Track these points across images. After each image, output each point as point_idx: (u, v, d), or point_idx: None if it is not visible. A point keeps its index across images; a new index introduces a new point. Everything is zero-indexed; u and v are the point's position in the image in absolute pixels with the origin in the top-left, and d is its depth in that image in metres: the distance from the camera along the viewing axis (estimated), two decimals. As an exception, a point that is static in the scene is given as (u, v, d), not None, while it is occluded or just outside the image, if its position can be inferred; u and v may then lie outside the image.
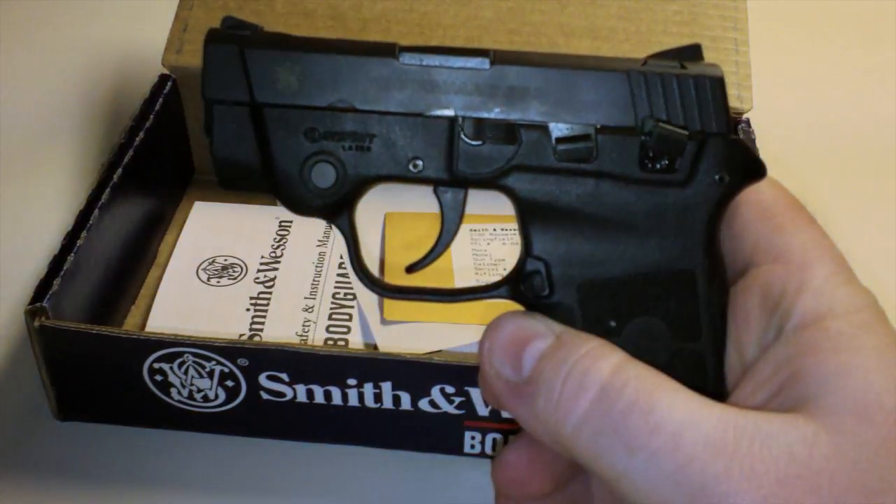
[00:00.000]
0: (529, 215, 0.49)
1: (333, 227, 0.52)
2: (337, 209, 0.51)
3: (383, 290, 0.53)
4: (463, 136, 0.49)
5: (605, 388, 0.42)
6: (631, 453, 0.40)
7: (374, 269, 0.84)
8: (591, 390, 0.42)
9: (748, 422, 0.40)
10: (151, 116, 0.86)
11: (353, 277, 0.84)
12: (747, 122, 0.86)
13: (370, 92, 0.49)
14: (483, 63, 0.48)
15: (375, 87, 0.49)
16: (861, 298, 0.45)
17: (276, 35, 0.50)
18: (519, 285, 0.50)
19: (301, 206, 0.50)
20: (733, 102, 0.85)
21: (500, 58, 0.49)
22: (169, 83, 0.91)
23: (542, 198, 0.49)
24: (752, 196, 0.49)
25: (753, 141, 0.84)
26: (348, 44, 0.50)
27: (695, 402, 0.41)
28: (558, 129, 0.48)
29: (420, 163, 0.49)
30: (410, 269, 0.52)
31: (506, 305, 0.50)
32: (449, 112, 0.49)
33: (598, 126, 0.48)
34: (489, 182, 0.49)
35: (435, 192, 0.51)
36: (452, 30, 0.88)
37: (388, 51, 0.49)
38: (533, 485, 0.51)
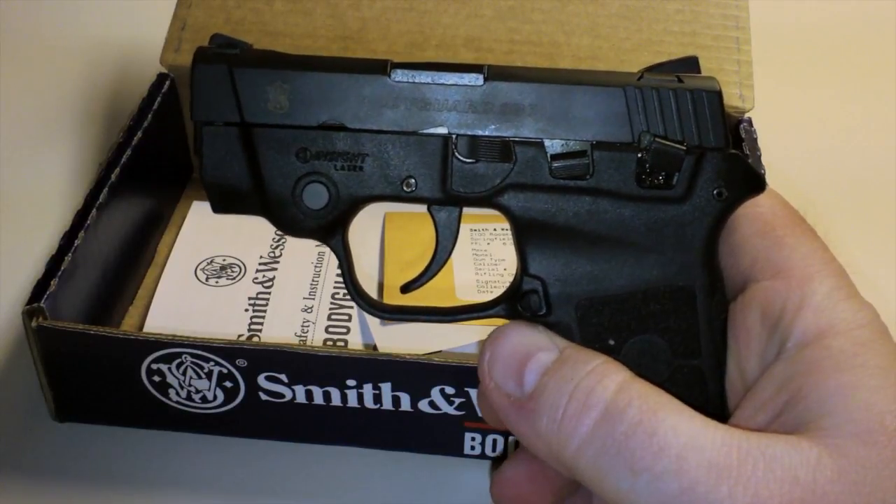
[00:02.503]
0: (525, 234, 0.49)
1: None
2: (331, 230, 0.50)
3: (380, 311, 0.53)
4: (457, 154, 0.48)
5: (609, 407, 0.42)
6: (634, 475, 0.40)
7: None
8: (595, 410, 0.42)
9: (752, 444, 0.40)
10: (149, 116, 0.86)
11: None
12: (749, 121, 0.85)
13: (362, 110, 0.48)
14: (477, 79, 0.48)
15: (367, 106, 0.48)
16: (863, 314, 0.45)
17: (265, 53, 0.49)
18: (516, 304, 0.49)
19: (294, 228, 0.50)
20: (735, 101, 0.85)
21: (493, 74, 0.48)
22: (167, 82, 0.90)
23: (537, 216, 0.48)
24: (751, 209, 0.48)
25: (755, 140, 0.83)
26: (339, 61, 0.49)
27: (699, 424, 0.41)
28: (554, 146, 0.48)
29: (413, 182, 0.49)
30: (405, 289, 0.52)
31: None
32: (442, 130, 0.48)
33: (595, 142, 0.48)
34: (484, 200, 0.49)
35: (429, 210, 0.50)
36: (452, 28, 0.88)
37: (380, 68, 0.48)
38: (532, 501, 0.51)
